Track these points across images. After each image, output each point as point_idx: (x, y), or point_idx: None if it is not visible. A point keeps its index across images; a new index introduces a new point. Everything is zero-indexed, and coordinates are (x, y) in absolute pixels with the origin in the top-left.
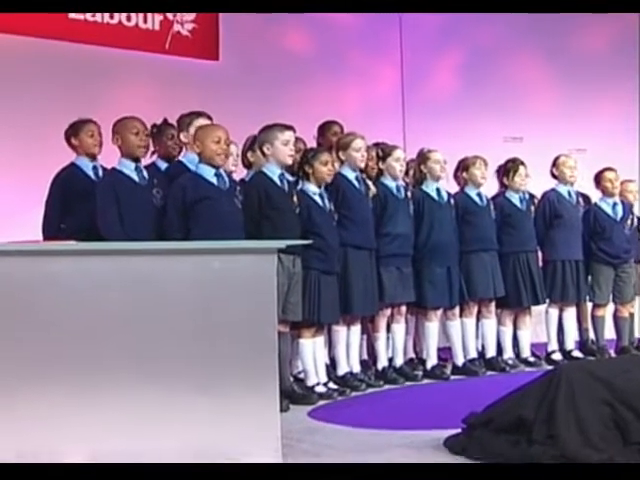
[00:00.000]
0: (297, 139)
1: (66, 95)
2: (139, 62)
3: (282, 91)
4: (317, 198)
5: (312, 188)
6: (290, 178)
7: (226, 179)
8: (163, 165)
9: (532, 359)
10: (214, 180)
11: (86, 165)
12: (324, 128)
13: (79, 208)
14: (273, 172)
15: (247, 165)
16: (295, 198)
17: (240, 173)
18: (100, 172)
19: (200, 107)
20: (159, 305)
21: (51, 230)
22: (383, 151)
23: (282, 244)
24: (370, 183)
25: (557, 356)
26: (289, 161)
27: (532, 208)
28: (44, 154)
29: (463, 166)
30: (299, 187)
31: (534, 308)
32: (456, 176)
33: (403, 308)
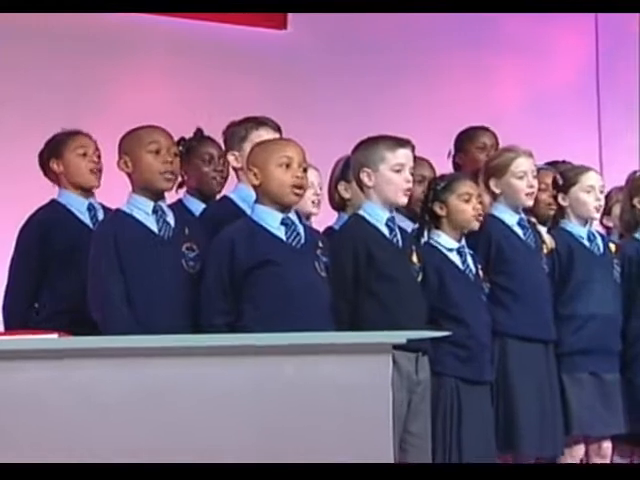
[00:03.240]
0: (418, 160)
1: (42, 91)
2: (159, 34)
3: (392, 81)
4: (454, 257)
5: (446, 240)
6: (407, 225)
7: (300, 229)
8: (197, 205)
9: None
10: (281, 231)
11: (77, 203)
12: (465, 139)
13: (64, 276)
14: (378, 216)
15: (338, 205)
16: (416, 258)
17: (325, 218)
18: (100, 214)
19: (259, 109)
20: (193, 436)
21: (17, 313)
22: (564, 176)
23: (399, 337)
24: (543, 230)
25: None
26: (403, 198)
27: None
28: (7, 186)
29: None
30: (423, 239)
31: None
32: None
33: (607, 445)
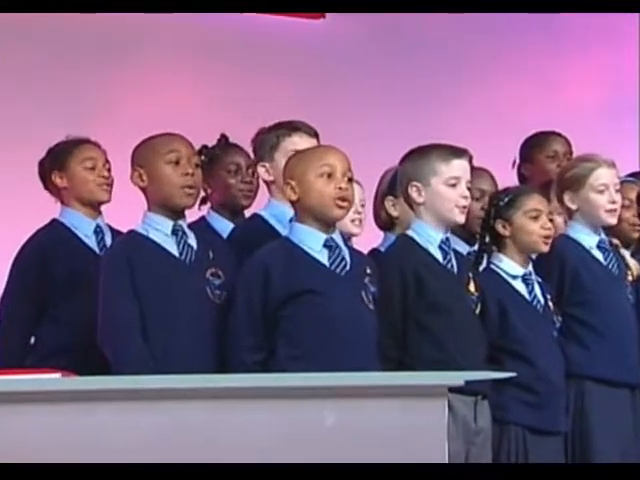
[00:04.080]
0: (476, 172)
1: (43, 93)
2: (174, 27)
3: (447, 82)
4: (519, 285)
5: (510, 266)
6: (463, 248)
7: (346, 253)
8: (223, 223)
9: None
10: (324, 255)
11: (82, 224)
12: (533, 147)
13: (66, 308)
14: (430, 237)
15: (384, 224)
16: (474, 286)
17: (369, 239)
18: (108, 238)
19: (291, 111)
20: None
21: (12, 350)
22: None
23: (456, 378)
24: (627, 254)
25: None
26: (459, 216)
27: None
28: (2, 203)
29: None
30: (482, 265)
31: None
32: None
33: None
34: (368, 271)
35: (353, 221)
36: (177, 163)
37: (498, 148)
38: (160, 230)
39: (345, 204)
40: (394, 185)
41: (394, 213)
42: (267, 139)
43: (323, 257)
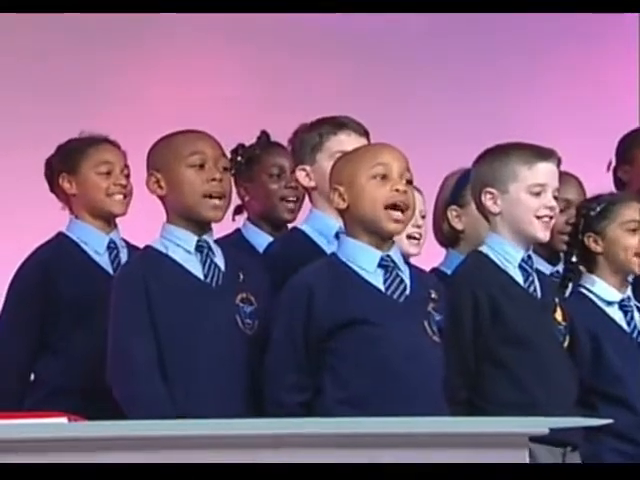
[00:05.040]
0: (563, 176)
1: (51, 84)
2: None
3: (518, 68)
4: (616, 313)
5: (604, 289)
6: (545, 268)
7: (405, 274)
8: (262, 238)
9: None
10: (378, 277)
11: (93, 238)
12: (634, 146)
13: (72, 338)
14: (508, 255)
15: (447, 239)
16: (560, 314)
17: (429, 257)
18: (124, 255)
19: (340, 106)
20: None
21: (9, 388)
22: None
23: (540, 425)
24: None
25: None
26: (542, 232)
27: None
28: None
29: None
30: (568, 288)
31: None
32: None
33: None
34: (433, 296)
35: (410, 237)
36: (201, 167)
37: (588, 148)
38: (181, 246)
39: (401, 216)
40: (458, 192)
41: (458, 226)
42: (308, 138)
43: (378, 279)
